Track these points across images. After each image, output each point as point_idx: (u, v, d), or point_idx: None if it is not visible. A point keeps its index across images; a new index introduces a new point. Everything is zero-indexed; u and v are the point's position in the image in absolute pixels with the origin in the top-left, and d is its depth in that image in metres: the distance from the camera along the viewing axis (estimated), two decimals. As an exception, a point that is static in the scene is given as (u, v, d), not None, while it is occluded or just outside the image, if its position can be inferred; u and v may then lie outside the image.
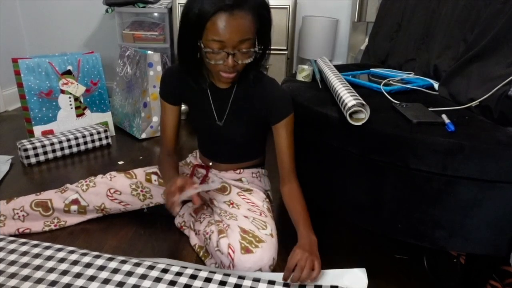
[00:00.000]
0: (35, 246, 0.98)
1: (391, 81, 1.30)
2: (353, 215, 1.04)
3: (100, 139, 1.88)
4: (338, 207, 1.08)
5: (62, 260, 0.91)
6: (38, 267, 0.89)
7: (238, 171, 1.20)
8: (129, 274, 0.87)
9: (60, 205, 1.19)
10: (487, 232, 0.86)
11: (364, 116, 0.91)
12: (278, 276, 0.92)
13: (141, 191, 1.21)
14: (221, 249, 0.97)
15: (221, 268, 0.99)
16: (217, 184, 1.07)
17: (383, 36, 1.79)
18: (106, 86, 2.01)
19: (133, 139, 2.04)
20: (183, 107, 1.17)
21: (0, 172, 1.57)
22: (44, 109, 1.78)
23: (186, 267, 0.92)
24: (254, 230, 1.00)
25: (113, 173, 1.24)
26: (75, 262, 0.90)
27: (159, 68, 1.98)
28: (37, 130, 1.77)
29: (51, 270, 0.88)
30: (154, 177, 1.22)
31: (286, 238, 1.09)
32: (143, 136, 2.03)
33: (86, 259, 0.91)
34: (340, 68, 1.45)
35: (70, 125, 1.87)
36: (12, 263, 0.90)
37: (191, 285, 0.85)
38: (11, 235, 1.13)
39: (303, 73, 1.38)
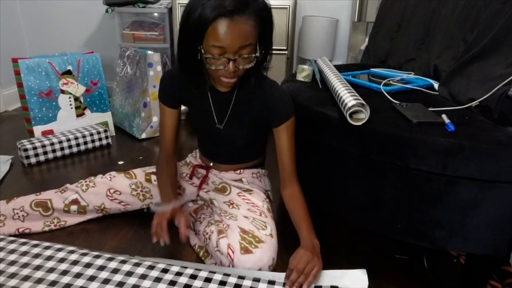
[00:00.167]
0: (35, 246, 0.98)
1: (391, 81, 1.30)
2: (353, 215, 1.04)
3: (100, 139, 1.88)
4: (338, 207, 1.08)
5: (62, 260, 0.91)
6: (38, 267, 0.89)
7: (238, 172, 1.20)
8: (129, 274, 0.87)
9: (60, 205, 1.19)
10: (487, 232, 0.86)
11: (364, 116, 0.91)
12: (278, 276, 0.93)
13: (141, 191, 1.21)
14: (221, 249, 0.97)
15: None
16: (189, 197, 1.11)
17: (383, 36, 1.79)
18: (106, 86, 2.01)
19: (133, 139, 2.04)
20: (183, 107, 1.17)
21: (0, 172, 1.57)
22: (44, 109, 1.78)
23: (186, 267, 0.92)
24: (253, 230, 1.00)
25: (113, 173, 1.24)
26: (75, 262, 0.90)
27: (159, 68, 1.98)
28: (37, 130, 1.77)
29: (51, 270, 0.88)
30: (154, 177, 1.21)
31: (286, 238, 1.09)
32: (143, 136, 2.03)
33: (86, 259, 0.91)
34: (340, 68, 1.45)
35: (70, 125, 1.87)
36: (12, 263, 0.90)
37: (191, 285, 0.85)
38: (11, 235, 1.13)
39: (303, 73, 1.38)
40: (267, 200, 1.17)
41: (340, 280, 0.93)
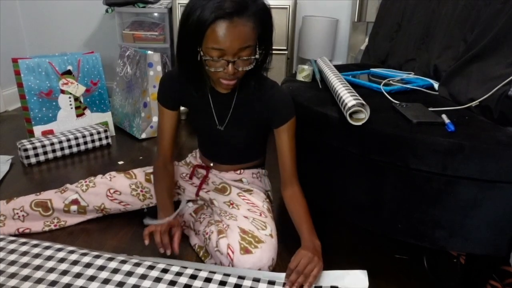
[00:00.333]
0: (35, 246, 0.98)
1: (391, 81, 1.30)
2: (353, 215, 1.04)
3: (100, 139, 1.88)
4: (338, 207, 1.08)
5: (62, 260, 0.91)
6: (38, 267, 0.89)
7: (238, 172, 1.20)
8: (129, 274, 0.87)
9: (60, 205, 1.19)
10: (487, 232, 0.86)
11: (364, 116, 0.91)
12: (278, 276, 0.93)
13: (141, 191, 1.21)
14: (221, 249, 0.97)
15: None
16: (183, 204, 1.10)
17: (383, 36, 1.79)
18: (106, 86, 2.01)
19: (133, 139, 2.04)
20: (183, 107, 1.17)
21: (0, 172, 1.57)
22: (44, 109, 1.78)
23: (186, 267, 0.92)
24: (253, 230, 1.00)
25: (113, 173, 1.24)
26: (75, 262, 0.90)
27: (159, 68, 1.98)
28: (37, 130, 1.77)
29: (51, 270, 0.88)
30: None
31: (286, 238, 1.09)
32: (143, 136, 2.03)
33: (86, 259, 0.91)
34: (340, 68, 1.45)
35: (70, 125, 1.87)
36: (12, 263, 0.90)
37: (191, 285, 0.85)
38: (11, 235, 1.12)
39: (303, 73, 1.38)
40: (267, 200, 1.17)
41: (340, 281, 0.93)
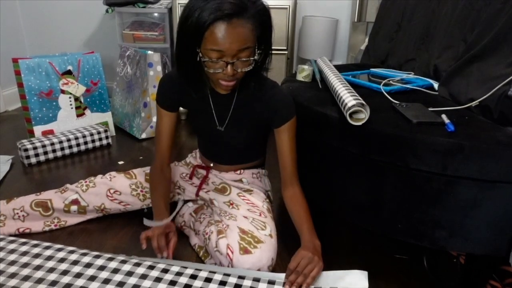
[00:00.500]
0: (35, 246, 0.98)
1: (391, 81, 1.30)
2: (353, 215, 1.04)
3: (100, 139, 1.88)
4: (338, 207, 1.08)
5: (62, 260, 0.91)
6: (38, 267, 0.89)
7: (238, 172, 1.20)
8: (129, 274, 0.87)
9: (60, 205, 1.19)
10: (487, 232, 0.86)
11: (364, 116, 0.91)
12: (278, 276, 0.93)
13: (141, 191, 1.21)
14: (220, 249, 0.97)
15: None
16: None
17: (383, 36, 1.79)
18: (106, 86, 2.01)
19: (133, 139, 2.04)
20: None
21: (0, 172, 1.57)
22: (44, 109, 1.78)
23: (186, 267, 0.92)
24: (253, 230, 1.00)
25: (113, 173, 1.24)
26: (75, 262, 0.90)
27: (159, 68, 1.98)
28: (37, 130, 1.77)
29: (51, 270, 0.88)
30: (154, 177, 1.21)
31: (286, 238, 1.09)
32: (143, 136, 2.03)
33: (86, 259, 0.92)
34: (340, 68, 1.45)
35: (70, 125, 1.87)
36: (12, 263, 0.90)
37: (191, 285, 0.85)
38: (11, 235, 1.13)
39: (303, 73, 1.38)
40: (267, 200, 1.17)
41: (340, 281, 0.93)
